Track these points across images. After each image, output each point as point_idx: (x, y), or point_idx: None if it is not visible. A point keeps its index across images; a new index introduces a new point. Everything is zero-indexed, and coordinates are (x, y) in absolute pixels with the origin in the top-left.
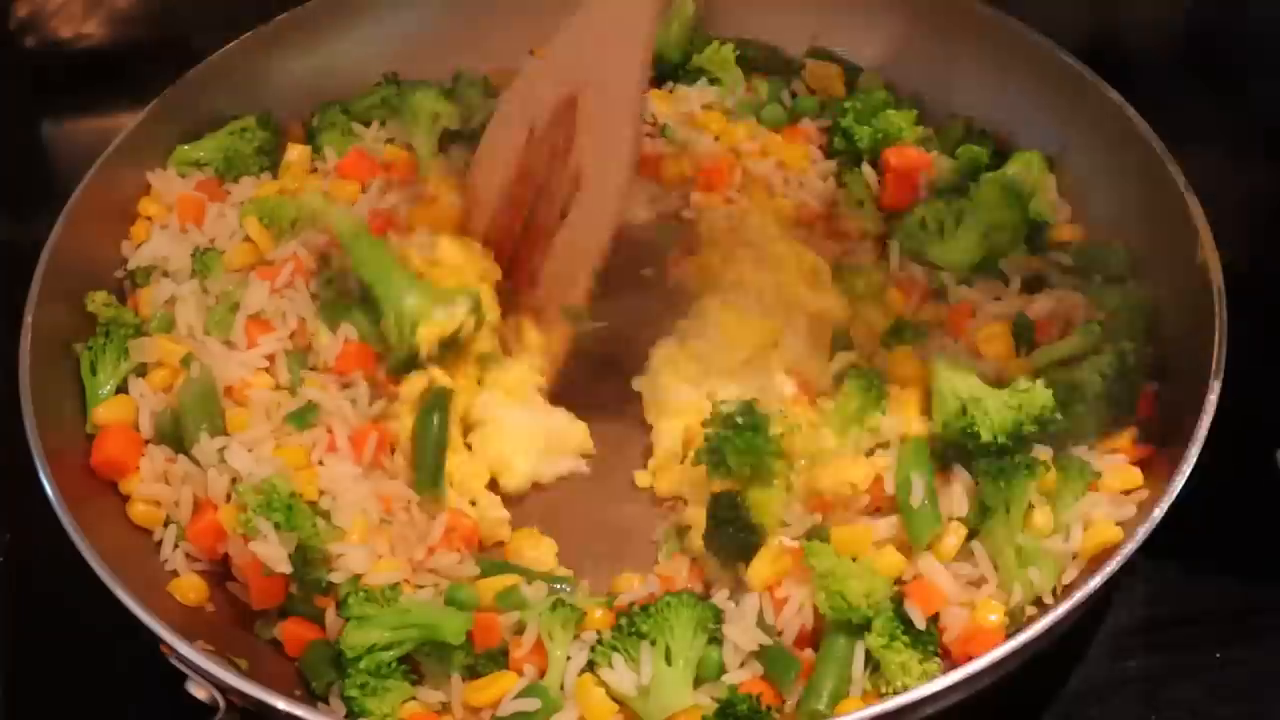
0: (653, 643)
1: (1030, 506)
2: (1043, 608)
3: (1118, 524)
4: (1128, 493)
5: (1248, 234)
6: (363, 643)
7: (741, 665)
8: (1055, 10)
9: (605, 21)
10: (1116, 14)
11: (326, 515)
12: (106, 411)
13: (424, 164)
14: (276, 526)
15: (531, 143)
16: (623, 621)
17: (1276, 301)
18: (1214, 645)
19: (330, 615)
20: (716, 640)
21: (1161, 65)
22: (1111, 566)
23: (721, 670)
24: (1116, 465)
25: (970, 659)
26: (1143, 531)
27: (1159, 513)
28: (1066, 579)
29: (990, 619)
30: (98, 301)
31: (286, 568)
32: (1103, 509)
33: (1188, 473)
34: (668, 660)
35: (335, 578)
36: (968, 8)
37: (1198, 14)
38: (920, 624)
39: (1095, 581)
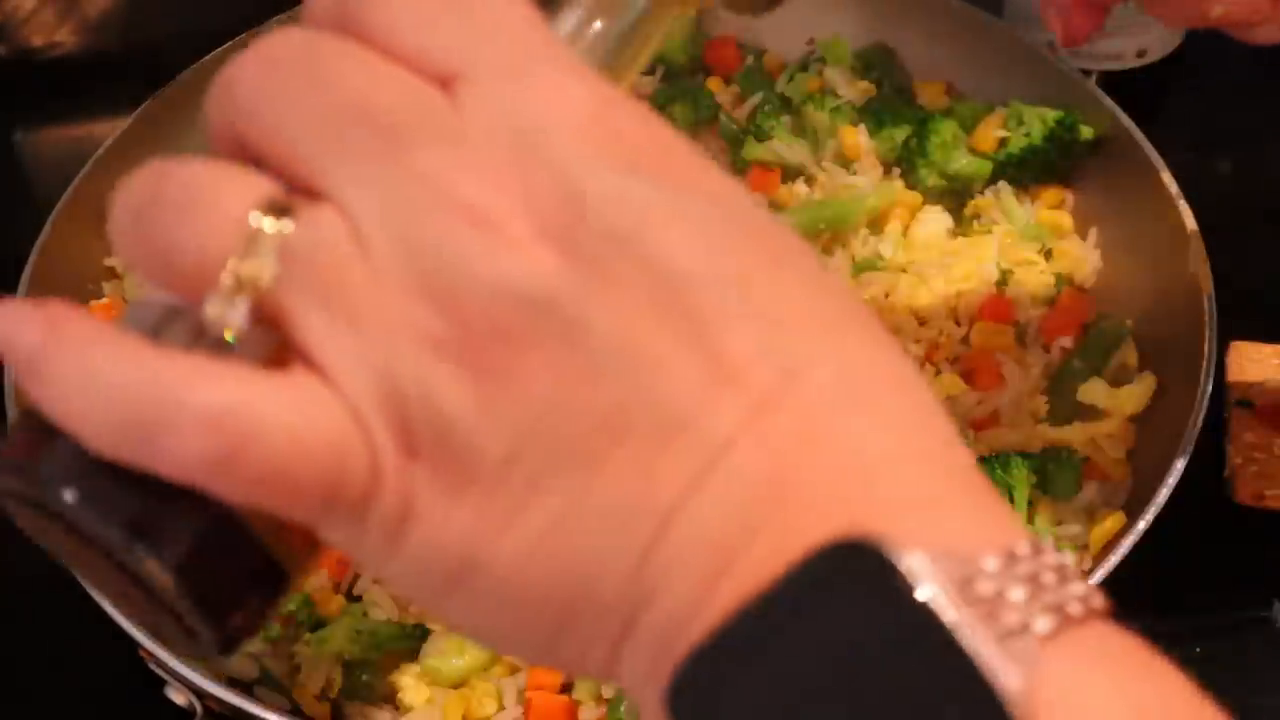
0: None
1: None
2: None
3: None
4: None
5: (1241, 241)
6: None
7: None
8: None
9: None
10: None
11: None
12: None
13: None
14: None
15: None
16: None
17: (1267, 308)
18: (1212, 645)
19: None
20: None
21: (1156, 69)
22: (1096, 579)
23: None
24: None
25: None
26: (1126, 545)
27: (1143, 525)
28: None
29: None
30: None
31: None
32: (1102, 496)
33: (1174, 484)
34: None
35: None
36: (963, 11)
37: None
38: None
39: None
